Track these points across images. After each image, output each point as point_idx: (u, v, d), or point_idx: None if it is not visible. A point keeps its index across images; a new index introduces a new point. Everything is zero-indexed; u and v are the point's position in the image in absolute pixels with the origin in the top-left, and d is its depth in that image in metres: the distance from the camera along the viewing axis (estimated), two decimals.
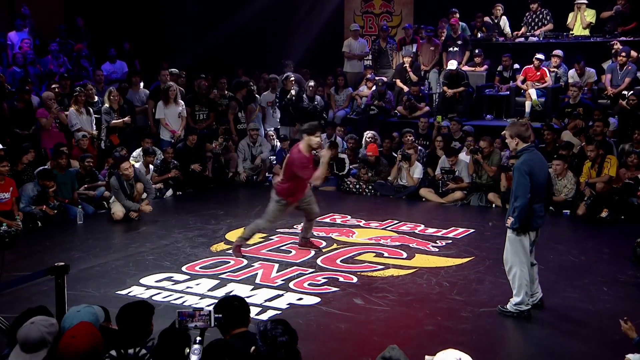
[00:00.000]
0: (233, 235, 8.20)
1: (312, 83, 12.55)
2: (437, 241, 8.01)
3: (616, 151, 9.90)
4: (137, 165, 9.93)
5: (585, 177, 9.29)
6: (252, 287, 6.38)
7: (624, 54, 11.07)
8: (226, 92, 12.18)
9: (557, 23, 12.67)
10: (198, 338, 3.29)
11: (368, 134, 11.32)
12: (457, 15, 12.93)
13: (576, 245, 7.38)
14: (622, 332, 5.27)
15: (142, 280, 6.56)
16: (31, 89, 10.67)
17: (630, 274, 6.82)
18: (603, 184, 9.06)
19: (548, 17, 12.68)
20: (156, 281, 6.56)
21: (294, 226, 8.64)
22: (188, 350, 3.24)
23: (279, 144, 12.02)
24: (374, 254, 7.47)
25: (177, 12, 14.91)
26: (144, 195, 9.41)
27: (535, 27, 12.75)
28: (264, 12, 14.88)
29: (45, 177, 8.86)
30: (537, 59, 11.65)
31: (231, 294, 6.03)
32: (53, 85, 10.90)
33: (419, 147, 10.97)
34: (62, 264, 4.43)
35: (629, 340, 4.58)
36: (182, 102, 11.44)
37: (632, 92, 10.72)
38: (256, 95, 12.68)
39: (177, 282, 6.54)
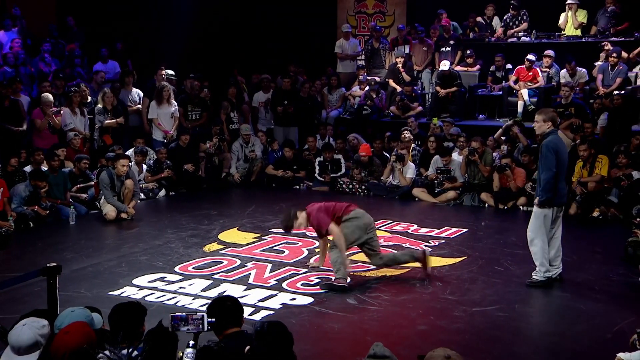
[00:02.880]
0: (226, 236, 8.20)
1: (306, 83, 12.55)
2: (430, 241, 8.03)
3: (607, 149, 9.95)
4: (130, 164, 9.89)
5: (577, 177, 9.34)
6: (245, 287, 6.37)
7: (614, 54, 11.13)
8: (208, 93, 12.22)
9: (550, 23, 12.73)
10: (191, 342, 3.28)
11: (351, 136, 11.41)
12: (445, 15, 12.96)
13: (568, 244, 7.38)
14: (614, 331, 5.32)
15: (134, 281, 6.54)
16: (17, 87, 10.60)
17: (622, 273, 6.85)
18: (595, 184, 9.11)
19: (524, 17, 12.75)
20: (149, 282, 6.54)
21: None
22: (181, 354, 3.23)
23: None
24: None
25: (170, 11, 14.87)
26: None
27: (513, 27, 12.82)
28: (258, 12, 14.87)
29: (37, 178, 8.83)
30: (528, 60, 11.71)
31: (224, 294, 6.02)
32: (44, 84, 10.86)
33: (415, 147, 11.00)
34: (54, 264, 4.41)
35: (621, 339, 4.60)
36: (175, 103, 11.43)
37: (617, 92, 10.81)
38: (244, 95, 12.69)
39: (170, 282, 6.52)
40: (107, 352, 3.34)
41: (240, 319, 3.70)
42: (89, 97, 11.05)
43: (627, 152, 9.51)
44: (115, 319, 3.54)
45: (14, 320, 3.54)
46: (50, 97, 10.33)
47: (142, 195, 9.90)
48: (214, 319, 3.49)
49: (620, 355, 4.24)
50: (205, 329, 3.38)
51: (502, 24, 12.95)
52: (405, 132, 10.92)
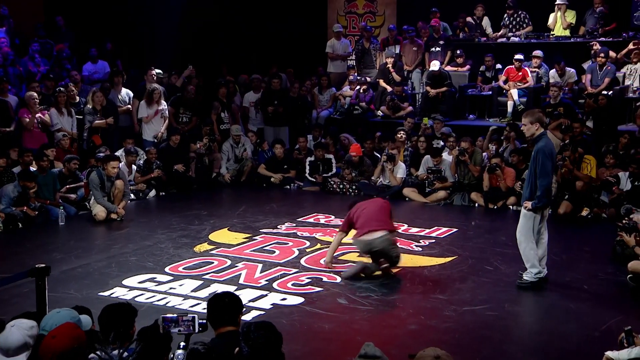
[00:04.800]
0: (216, 236, 8.19)
1: (296, 84, 12.54)
2: (421, 240, 8.05)
3: (594, 149, 10.02)
4: (120, 165, 9.85)
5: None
6: (236, 287, 6.35)
7: (602, 54, 11.22)
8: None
9: (538, 23, 12.80)
10: (182, 343, 3.26)
11: (342, 136, 11.42)
12: (438, 15, 13.00)
13: (557, 243, 7.45)
14: (602, 330, 5.36)
15: (124, 282, 6.52)
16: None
17: (610, 272, 6.91)
18: (582, 183, 9.16)
19: (526, 20, 12.82)
20: (139, 282, 6.52)
21: (278, 226, 8.65)
22: (171, 356, 3.22)
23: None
24: (358, 254, 7.46)
25: (160, 10, 14.82)
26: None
27: (514, 30, 12.89)
28: (248, 12, 14.85)
29: (26, 178, 8.77)
30: (517, 59, 11.76)
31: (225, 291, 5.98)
32: (33, 84, 10.80)
33: (408, 147, 11.02)
34: (43, 265, 4.39)
35: (609, 337, 4.64)
36: (165, 103, 11.40)
37: (604, 92, 10.90)
38: (232, 94, 12.67)
39: (160, 283, 6.51)
40: (97, 353, 3.32)
41: (237, 318, 3.65)
42: (77, 97, 10.99)
43: (615, 152, 9.58)
44: (105, 320, 3.52)
45: (2, 322, 3.51)
46: (34, 93, 10.27)
47: (132, 196, 9.86)
48: (205, 320, 3.47)
49: (608, 353, 4.26)
50: (196, 330, 3.36)
51: (502, 24, 13.01)
52: (401, 132, 10.96)
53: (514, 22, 12.93)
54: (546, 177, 6.14)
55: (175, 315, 3.36)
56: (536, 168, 6.16)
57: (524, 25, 12.83)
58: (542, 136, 6.24)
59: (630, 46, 11.66)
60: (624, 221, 6.97)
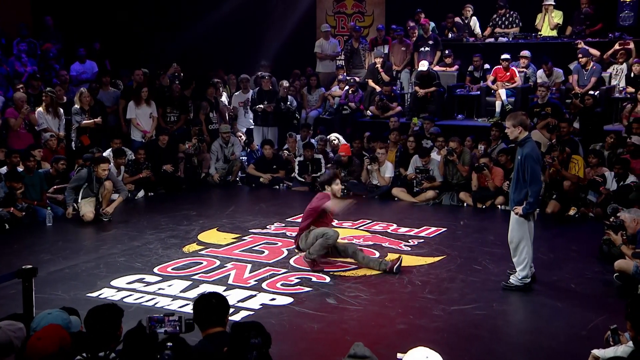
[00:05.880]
0: (205, 236, 8.17)
1: (285, 84, 12.54)
2: (410, 240, 8.07)
3: (582, 149, 10.10)
4: (110, 166, 9.79)
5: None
6: (225, 287, 6.35)
7: (580, 55, 11.32)
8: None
9: (526, 24, 12.88)
10: (169, 344, 3.26)
11: (332, 136, 11.43)
12: (422, 15, 13.05)
13: (545, 242, 7.50)
14: (589, 328, 5.40)
15: (113, 282, 6.50)
16: None
17: (597, 270, 6.96)
18: (570, 183, 9.23)
19: (517, 20, 12.90)
20: (127, 283, 6.50)
21: (267, 226, 8.64)
22: (159, 356, 3.21)
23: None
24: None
25: (150, 11, 14.76)
26: (115, 196, 9.23)
27: (504, 29, 12.95)
28: (237, 12, 14.81)
29: (12, 179, 8.71)
30: (504, 59, 11.82)
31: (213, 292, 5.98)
32: (19, 86, 10.72)
33: (400, 147, 11.05)
34: (30, 266, 4.36)
35: (596, 336, 4.67)
36: (154, 103, 11.35)
37: (591, 92, 11.00)
38: (218, 95, 12.63)
39: (148, 283, 6.49)
40: (84, 355, 3.31)
41: (224, 319, 3.66)
42: (65, 97, 10.93)
43: (600, 152, 9.66)
44: (91, 322, 3.50)
45: None
46: (23, 95, 10.21)
47: (127, 191, 9.67)
48: (191, 320, 3.47)
49: (594, 352, 4.30)
50: (183, 330, 3.36)
51: (491, 23, 13.07)
52: (395, 133, 11.01)
53: (505, 22, 12.99)
54: (538, 183, 6.14)
55: (161, 315, 3.35)
56: (525, 174, 6.08)
57: (514, 25, 12.91)
58: (527, 140, 6.16)
59: (616, 46, 11.77)
60: (611, 219, 7.04)
